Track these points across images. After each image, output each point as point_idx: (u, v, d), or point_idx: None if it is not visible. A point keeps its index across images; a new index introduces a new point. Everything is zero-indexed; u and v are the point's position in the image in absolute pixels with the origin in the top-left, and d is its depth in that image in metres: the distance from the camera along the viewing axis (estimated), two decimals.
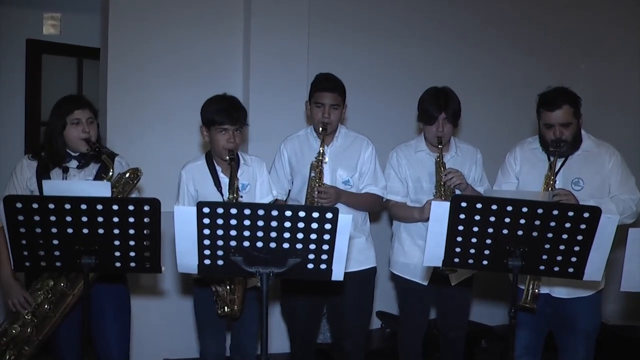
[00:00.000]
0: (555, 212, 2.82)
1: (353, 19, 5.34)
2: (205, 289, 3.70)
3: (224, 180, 3.68)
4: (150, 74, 4.78)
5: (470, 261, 2.97)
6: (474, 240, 2.91)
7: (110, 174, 3.37)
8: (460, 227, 2.88)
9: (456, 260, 2.97)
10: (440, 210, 2.89)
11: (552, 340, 3.82)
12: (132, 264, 2.86)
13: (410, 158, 4.01)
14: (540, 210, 2.82)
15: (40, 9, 5.76)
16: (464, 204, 2.85)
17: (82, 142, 3.41)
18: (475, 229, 2.88)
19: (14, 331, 3.34)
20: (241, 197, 3.61)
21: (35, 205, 2.72)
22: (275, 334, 4.69)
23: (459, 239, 2.91)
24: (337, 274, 2.78)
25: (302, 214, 2.64)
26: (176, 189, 3.78)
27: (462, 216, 2.86)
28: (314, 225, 2.66)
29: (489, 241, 2.90)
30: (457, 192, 3.80)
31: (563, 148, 3.65)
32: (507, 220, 2.84)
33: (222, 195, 3.66)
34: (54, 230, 2.77)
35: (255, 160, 3.85)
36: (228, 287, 3.60)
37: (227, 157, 3.56)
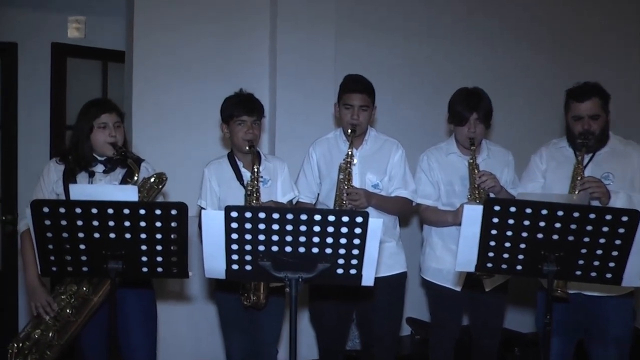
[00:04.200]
0: (592, 216, 2.78)
1: (381, 19, 5.32)
2: (227, 292, 3.74)
3: (246, 174, 3.77)
4: (176, 76, 4.79)
5: (504, 266, 2.94)
6: (507, 244, 2.88)
7: (136, 178, 3.39)
8: (494, 231, 2.86)
9: (489, 265, 2.94)
10: (473, 214, 2.87)
11: (583, 347, 3.79)
12: (159, 269, 2.87)
13: (442, 161, 4.00)
14: (576, 214, 2.78)
15: (64, 12, 5.80)
16: (497, 208, 2.82)
17: (109, 147, 3.44)
18: (509, 233, 2.85)
19: (35, 335, 3.36)
20: (262, 183, 3.72)
21: (62, 210, 2.74)
22: (304, 340, 4.68)
23: (492, 243, 2.88)
24: (368, 279, 2.78)
25: (331, 218, 2.64)
26: (201, 186, 3.86)
27: (495, 220, 2.84)
28: (344, 230, 2.65)
29: (523, 246, 2.87)
30: (491, 195, 3.77)
31: (591, 141, 3.64)
32: (542, 224, 2.81)
33: (245, 188, 3.74)
34: (81, 234, 2.78)
35: (277, 159, 4.00)
36: None
37: (247, 148, 3.70)
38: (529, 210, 2.80)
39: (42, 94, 5.64)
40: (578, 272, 2.92)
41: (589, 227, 2.80)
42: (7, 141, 5.56)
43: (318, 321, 4.12)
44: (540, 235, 2.84)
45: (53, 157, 3.60)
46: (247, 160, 3.81)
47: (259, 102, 3.85)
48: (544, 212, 2.80)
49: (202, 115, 4.73)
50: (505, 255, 2.91)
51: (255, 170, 3.66)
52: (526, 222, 2.82)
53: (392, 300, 3.98)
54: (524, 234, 2.85)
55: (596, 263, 2.87)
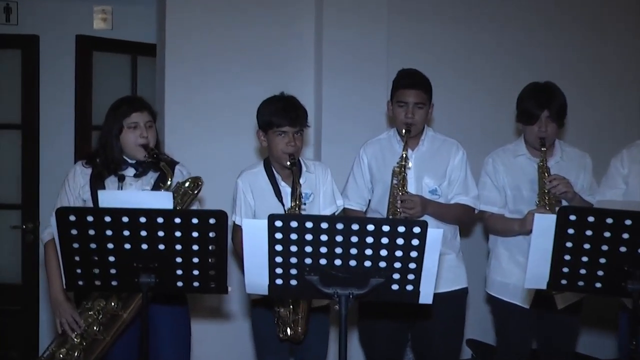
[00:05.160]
0: None
1: (439, 6, 5.26)
2: (264, 310, 3.74)
3: (286, 189, 3.75)
4: (212, 72, 4.81)
5: (581, 283, 2.90)
6: (584, 259, 2.84)
7: (169, 183, 3.41)
8: (569, 244, 2.82)
9: (563, 282, 2.91)
10: (545, 224, 2.84)
11: None
12: (196, 284, 2.89)
13: (509, 164, 3.98)
14: None
15: (90, 1, 5.85)
16: (572, 217, 2.79)
17: (140, 148, 3.46)
18: (587, 246, 2.81)
19: (60, 355, 3.40)
20: (304, 207, 3.67)
21: (90, 218, 2.77)
22: None
23: (567, 257, 2.85)
24: (426, 296, 2.76)
25: (386, 228, 2.63)
26: (233, 200, 3.84)
27: (570, 231, 2.80)
28: (400, 241, 2.64)
29: (602, 260, 2.83)
30: (564, 202, 3.73)
31: None
32: (625, 236, 2.77)
33: (283, 206, 3.71)
34: (110, 245, 2.81)
35: (319, 166, 3.93)
36: (290, 307, 3.62)
37: (288, 163, 3.62)
38: (610, 220, 2.76)
39: (65, 90, 5.69)
40: None
41: None
42: (28, 142, 5.64)
43: (369, 342, 4.11)
44: (623, 249, 2.80)
45: (79, 160, 3.65)
46: (287, 173, 3.76)
47: (302, 109, 3.77)
48: (628, 222, 2.75)
49: (241, 115, 4.71)
50: (582, 271, 2.87)
51: (297, 191, 3.61)
52: (607, 234, 2.78)
53: (451, 320, 3.96)
54: (604, 247, 2.81)
55: None
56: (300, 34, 5.00)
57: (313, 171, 3.85)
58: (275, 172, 3.80)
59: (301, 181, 3.68)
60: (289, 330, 3.63)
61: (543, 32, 5.45)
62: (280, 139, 3.67)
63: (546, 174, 3.75)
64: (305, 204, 3.68)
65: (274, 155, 3.76)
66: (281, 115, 3.67)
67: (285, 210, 3.67)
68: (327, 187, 3.86)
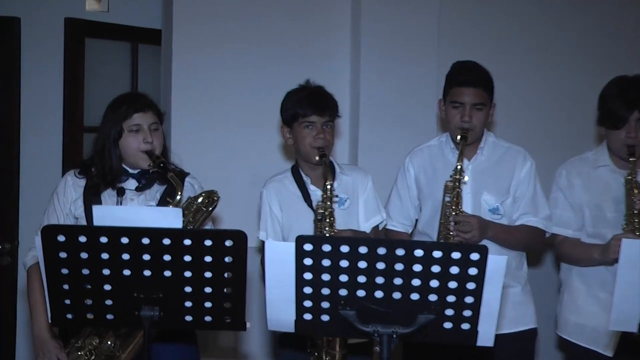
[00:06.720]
0: None
1: None
2: (294, 352, 3.76)
3: (316, 193, 3.81)
4: (227, 63, 4.86)
5: None
6: None
7: (178, 198, 3.41)
8: None
9: None
10: (635, 251, 2.83)
11: None
12: (208, 318, 2.90)
13: (588, 177, 3.96)
14: None
15: None
16: None
17: (143, 156, 3.49)
18: None
19: None
20: (335, 201, 3.71)
21: (82, 239, 2.78)
22: None
23: None
24: (486, 338, 2.76)
25: (437, 254, 2.62)
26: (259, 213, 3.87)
27: None
28: (454, 270, 2.63)
29: None
30: None
31: None
32: None
33: (314, 211, 3.75)
34: (106, 271, 2.82)
35: (358, 171, 4.01)
36: None
37: (317, 158, 3.69)
38: None
39: (52, 84, 5.71)
40: None
41: None
42: (6, 146, 5.62)
43: None
44: None
45: (70, 169, 3.68)
46: (317, 175, 3.83)
47: (331, 98, 3.87)
48: None
49: (263, 116, 4.74)
50: None
51: (328, 186, 3.65)
52: None
53: None
54: None
55: None
56: (334, 18, 5.01)
57: (349, 174, 3.93)
58: (303, 175, 3.88)
59: (335, 184, 3.73)
60: (324, 356, 3.64)
61: (630, 16, 5.41)
62: (308, 132, 3.77)
63: (636, 190, 3.73)
64: (337, 200, 3.74)
65: (301, 153, 3.84)
66: (307, 105, 3.77)
67: (315, 214, 3.70)
68: (368, 195, 3.92)
